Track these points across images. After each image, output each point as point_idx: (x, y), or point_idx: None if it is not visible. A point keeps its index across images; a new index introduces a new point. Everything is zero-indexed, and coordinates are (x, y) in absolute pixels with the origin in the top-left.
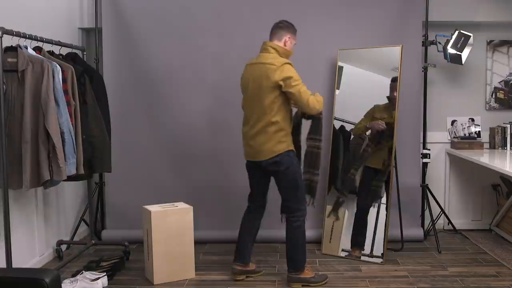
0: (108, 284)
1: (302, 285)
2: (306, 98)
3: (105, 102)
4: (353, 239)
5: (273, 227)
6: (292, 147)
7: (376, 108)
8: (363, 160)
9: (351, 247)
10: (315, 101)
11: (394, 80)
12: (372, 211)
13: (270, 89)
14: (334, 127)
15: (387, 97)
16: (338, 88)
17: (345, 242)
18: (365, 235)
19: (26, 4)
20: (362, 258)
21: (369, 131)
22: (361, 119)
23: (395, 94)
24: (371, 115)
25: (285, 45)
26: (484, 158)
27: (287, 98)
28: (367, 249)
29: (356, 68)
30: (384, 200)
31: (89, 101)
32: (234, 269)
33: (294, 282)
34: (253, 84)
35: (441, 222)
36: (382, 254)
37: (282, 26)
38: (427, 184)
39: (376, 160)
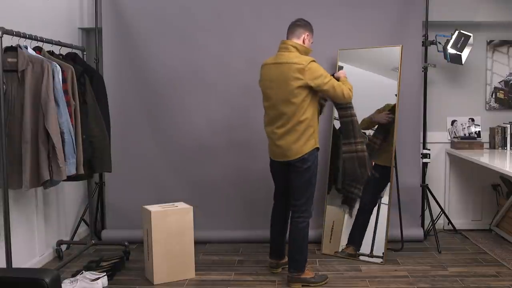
0: (108, 284)
1: (302, 285)
2: (341, 92)
3: (105, 102)
4: (351, 236)
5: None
6: (318, 145)
7: (387, 105)
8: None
9: (347, 244)
10: (348, 91)
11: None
12: (372, 211)
13: (300, 88)
14: (334, 127)
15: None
16: None
17: (345, 242)
18: (364, 235)
19: (26, 4)
20: (362, 258)
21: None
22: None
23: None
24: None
25: (303, 43)
26: (484, 158)
27: (315, 94)
28: (367, 249)
29: (356, 68)
30: (384, 200)
31: (89, 101)
32: (270, 262)
33: (294, 282)
34: (279, 84)
35: (441, 222)
36: (382, 254)
37: (300, 24)
38: (427, 184)
39: (384, 158)
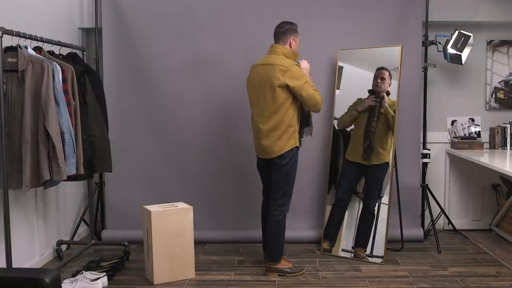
0: (108, 284)
1: (279, 275)
2: (313, 102)
3: (103, 102)
4: (326, 231)
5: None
6: (298, 143)
7: (358, 101)
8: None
9: (355, 247)
10: (321, 104)
11: (378, 69)
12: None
13: (281, 88)
14: (334, 127)
15: (369, 90)
16: (338, 88)
17: (345, 242)
18: (339, 230)
19: (26, 4)
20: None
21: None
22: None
23: (378, 81)
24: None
25: (290, 46)
26: (484, 158)
27: (295, 96)
28: (367, 249)
29: (356, 68)
30: (384, 200)
31: (89, 101)
32: (266, 267)
33: (270, 271)
34: (263, 84)
35: (441, 222)
36: (382, 254)
37: (284, 31)
38: (427, 184)
39: (378, 157)
